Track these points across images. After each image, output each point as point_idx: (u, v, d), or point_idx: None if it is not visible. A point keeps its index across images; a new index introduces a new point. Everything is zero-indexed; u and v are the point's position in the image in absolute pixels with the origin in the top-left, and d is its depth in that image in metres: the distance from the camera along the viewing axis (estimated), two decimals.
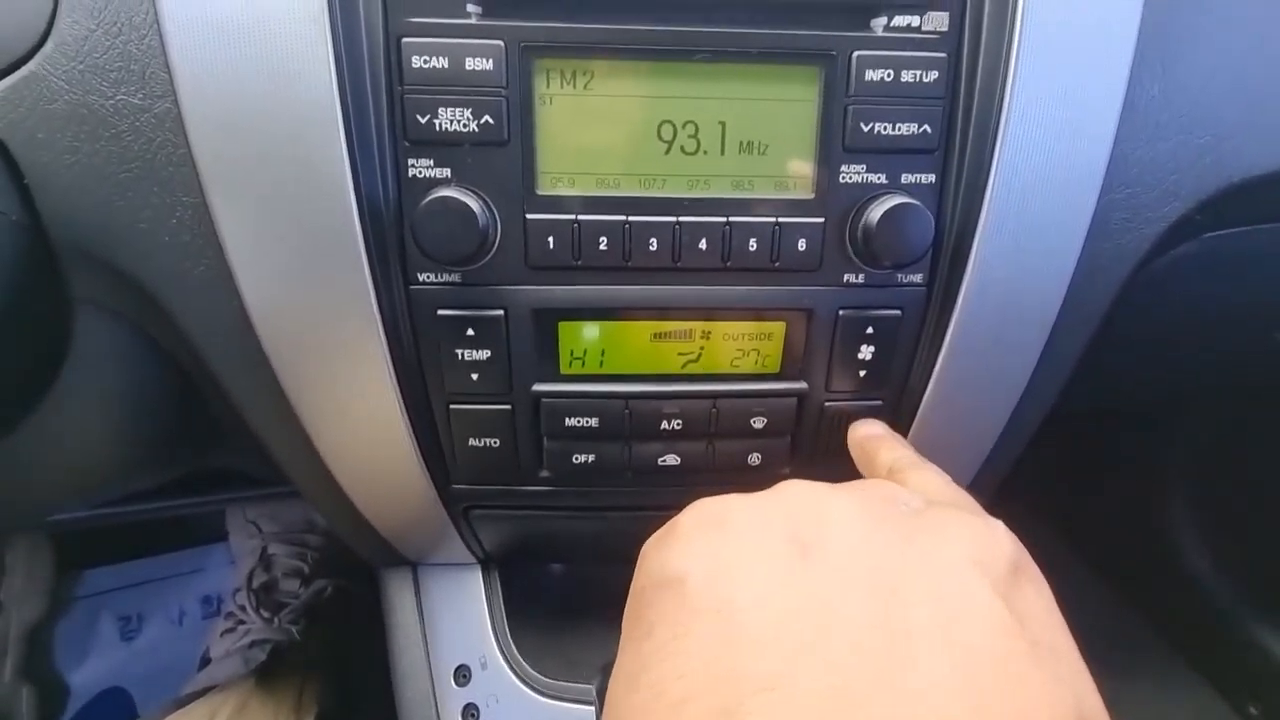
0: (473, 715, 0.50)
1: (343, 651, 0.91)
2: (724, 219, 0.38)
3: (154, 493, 0.78)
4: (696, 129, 0.37)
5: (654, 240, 0.38)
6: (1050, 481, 1.22)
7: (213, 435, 0.50)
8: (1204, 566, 1.02)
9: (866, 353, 0.41)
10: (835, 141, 0.37)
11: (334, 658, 0.90)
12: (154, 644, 1.15)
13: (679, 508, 0.48)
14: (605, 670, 0.29)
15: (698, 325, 0.40)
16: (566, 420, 0.41)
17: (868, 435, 0.42)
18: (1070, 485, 1.20)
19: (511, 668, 0.51)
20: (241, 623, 0.95)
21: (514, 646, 0.51)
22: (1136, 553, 1.09)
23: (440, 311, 0.38)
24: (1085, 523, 1.17)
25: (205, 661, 0.93)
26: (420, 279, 0.38)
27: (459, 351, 0.39)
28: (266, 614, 0.96)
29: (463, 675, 0.51)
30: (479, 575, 0.53)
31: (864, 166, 0.38)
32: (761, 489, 0.37)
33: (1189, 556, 1.03)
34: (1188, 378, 0.72)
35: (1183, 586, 1.03)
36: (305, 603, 0.98)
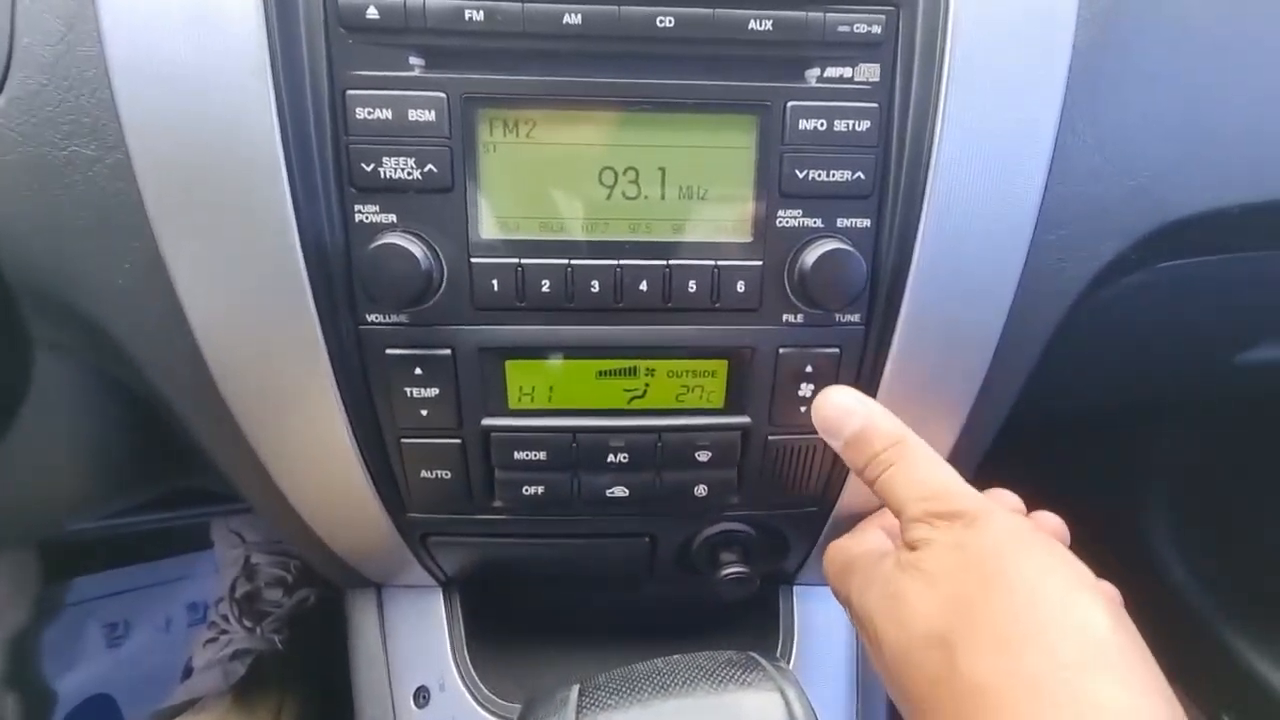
0: None
1: (325, 663, 0.92)
2: (664, 261, 0.39)
3: (136, 506, 0.79)
4: (637, 174, 0.38)
5: (596, 282, 0.39)
6: (1030, 493, 1.22)
7: (180, 463, 0.51)
8: (1180, 578, 1.03)
9: (807, 389, 0.42)
10: (772, 187, 0.38)
11: (316, 669, 0.91)
12: (140, 651, 1.16)
13: (631, 535, 0.49)
14: (528, 704, 0.30)
15: (642, 363, 0.42)
16: (515, 454, 0.42)
17: (839, 413, 0.39)
18: (1050, 498, 1.21)
19: (469, 691, 0.52)
20: (224, 632, 0.96)
21: (472, 669, 0.53)
22: (1114, 563, 1.10)
23: (389, 351, 0.39)
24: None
25: (188, 671, 0.94)
26: (369, 319, 0.39)
27: (408, 389, 0.40)
28: (249, 623, 0.97)
29: (422, 697, 0.52)
30: (440, 597, 0.54)
31: (800, 211, 0.39)
32: (709, 519, 0.37)
33: (1166, 568, 1.04)
34: (1145, 397, 0.73)
35: (1159, 597, 1.05)
36: (288, 612, 0.99)
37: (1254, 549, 0.96)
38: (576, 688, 0.30)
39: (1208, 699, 0.98)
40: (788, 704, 0.27)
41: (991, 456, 0.51)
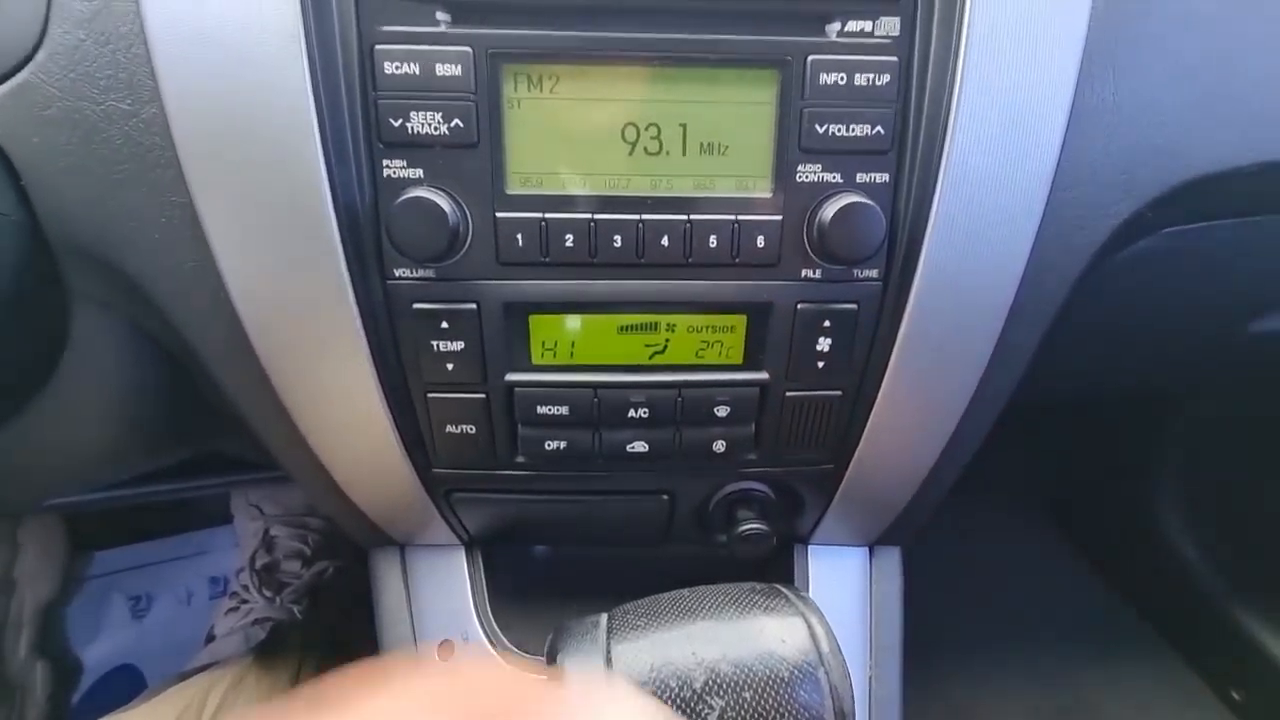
0: None
1: (343, 631, 0.94)
2: (685, 217, 0.39)
3: (158, 475, 0.81)
4: (659, 131, 0.39)
5: (618, 237, 0.39)
6: (1043, 475, 1.23)
7: (208, 423, 0.53)
8: (1191, 557, 1.04)
9: (825, 344, 0.43)
10: (792, 142, 0.39)
11: (333, 637, 0.93)
12: (163, 623, 1.19)
13: (651, 492, 0.50)
14: (559, 630, 0.31)
15: (663, 318, 0.42)
16: (538, 408, 0.43)
17: None
18: (1062, 478, 1.22)
19: (493, 643, 0.53)
20: (245, 602, 0.99)
21: (495, 623, 0.54)
22: (1126, 543, 1.11)
23: (416, 305, 0.40)
24: (1076, 514, 1.19)
25: (210, 638, 0.97)
26: (396, 274, 0.40)
27: (435, 343, 0.41)
28: (269, 593, 0.99)
29: (446, 650, 0.53)
30: (463, 555, 0.56)
31: (820, 166, 0.39)
32: (727, 477, 0.34)
33: (1177, 547, 1.04)
34: (1160, 369, 0.74)
35: (1170, 576, 1.05)
36: (307, 583, 1.01)
37: (1264, 528, 0.96)
38: (605, 615, 0.31)
39: (1218, 677, 0.99)
40: (811, 629, 0.28)
41: (1007, 432, 0.51)
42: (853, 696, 0.27)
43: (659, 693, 0.26)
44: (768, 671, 0.27)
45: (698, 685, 0.26)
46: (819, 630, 0.28)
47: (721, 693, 0.26)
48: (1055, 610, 1.10)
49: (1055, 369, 0.50)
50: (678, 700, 0.26)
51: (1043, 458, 1.20)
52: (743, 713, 0.26)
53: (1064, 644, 1.04)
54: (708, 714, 0.26)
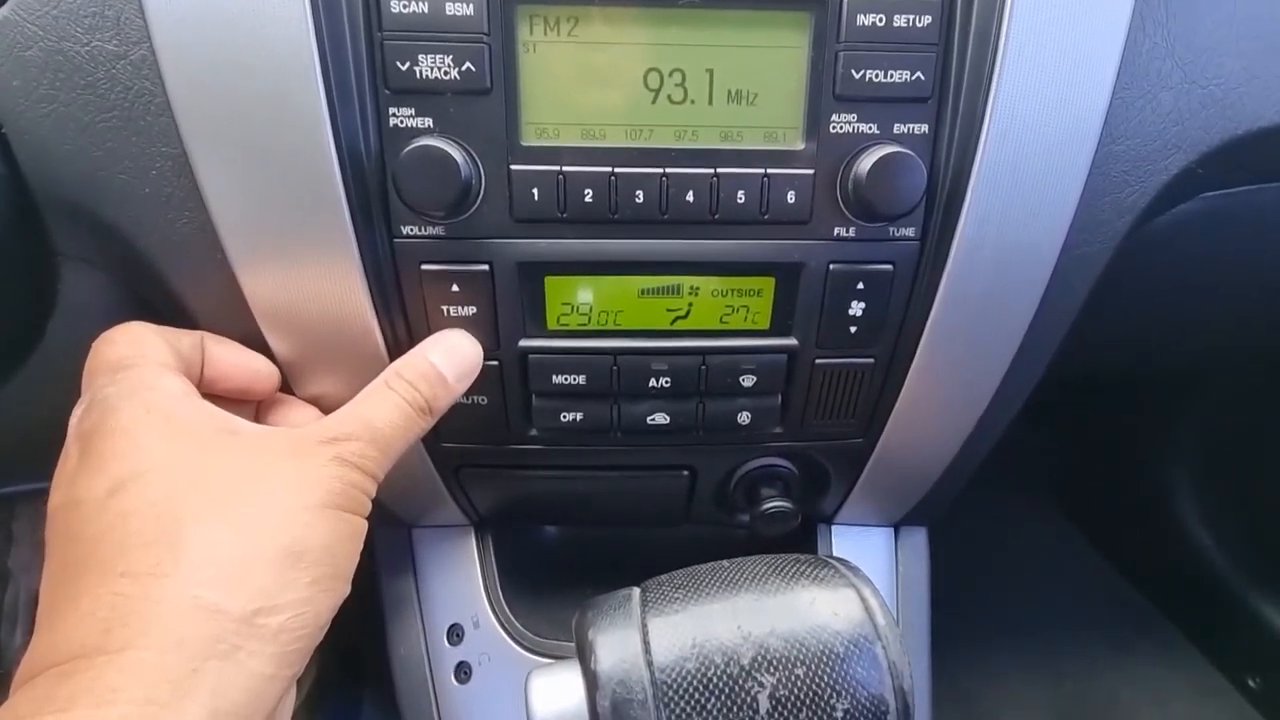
0: (465, 673, 0.51)
1: (346, 614, 0.92)
2: (711, 170, 0.37)
3: None
4: (684, 77, 0.36)
5: (640, 192, 0.37)
6: (1054, 462, 1.21)
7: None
8: (1205, 542, 1.02)
9: (858, 309, 0.40)
10: (825, 90, 0.36)
11: (337, 620, 0.91)
12: None
13: (671, 467, 0.48)
14: (587, 606, 0.29)
15: (686, 280, 0.40)
16: (554, 378, 0.41)
17: None
18: (1076, 464, 1.20)
19: (503, 626, 0.51)
20: None
21: (506, 606, 0.52)
22: (1139, 529, 1.09)
23: (425, 266, 0.38)
24: (1089, 501, 1.17)
25: None
26: (404, 231, 0.37)
27: (445, 307, 0.39)
28: None
29: (455, 634, 0.51)
30: (472, 537, 0.53)
31: (855, 116, 0.37)
32: (751, 451, 0.35)
33: (1190, 532, 1.03)
34: (1192, 345, 0.72)
35: (1183, 562, 1.03)
36: None
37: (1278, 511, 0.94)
38: (637, 589, 0.29)
39: (1233, 665, 0.97)
40: (864, 601, 0.26)
41: (1027, 415, 0.49)
42: (911, 674, 0.25)
43: (703, 669, 0.24)
44: (821, 646, 0.24)
45: (745, 661, 0.24)
46: (873, 602, 0.26)
47: (772, 669, 0.24)
48: (1067, 599, 1.08)
49: (1089, 340, 0.48)
50: (724, 677, 0.24)
51: (1054, 445, 1.19)
52: (795, 690, 0.24)
53: (1077, 633, 1.02)
54: (757, 692, 0.24)
